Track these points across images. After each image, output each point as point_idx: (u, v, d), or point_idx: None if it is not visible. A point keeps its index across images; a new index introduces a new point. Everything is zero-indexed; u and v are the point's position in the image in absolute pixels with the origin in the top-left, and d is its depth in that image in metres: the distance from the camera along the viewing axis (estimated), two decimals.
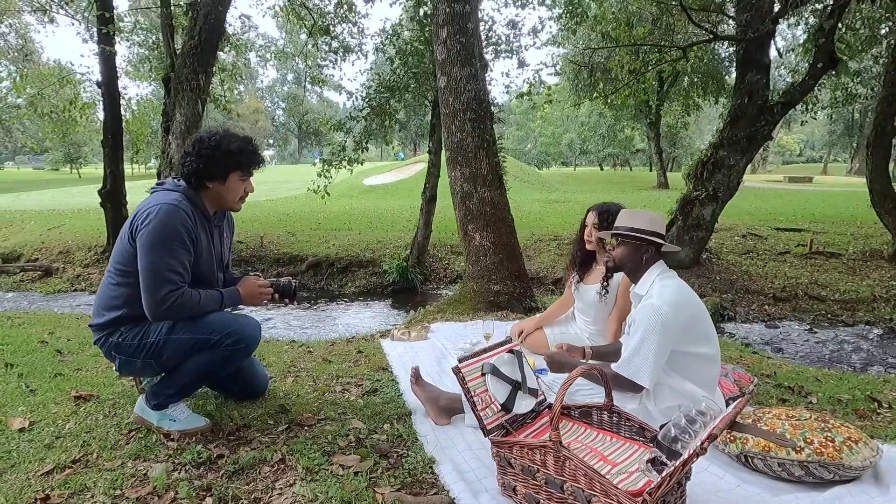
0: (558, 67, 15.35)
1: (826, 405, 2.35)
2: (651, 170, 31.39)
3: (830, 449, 1.53)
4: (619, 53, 9.19)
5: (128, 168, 11.03)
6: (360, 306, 7.91)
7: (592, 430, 1.62)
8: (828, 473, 1.52)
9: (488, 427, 1.51)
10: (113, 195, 9.80)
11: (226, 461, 1.68)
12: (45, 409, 2.03)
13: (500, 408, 1.54)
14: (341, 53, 10.48)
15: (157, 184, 1.87)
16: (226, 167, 1.80)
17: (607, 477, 1.25)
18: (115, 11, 9.82)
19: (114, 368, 1.86)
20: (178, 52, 8.87)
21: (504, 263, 4.25)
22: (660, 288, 1.92)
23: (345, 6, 9.90)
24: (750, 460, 1.63)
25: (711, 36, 7.78)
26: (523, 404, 1.59)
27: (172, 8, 8.89)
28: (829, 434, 1.57)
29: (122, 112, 10.50)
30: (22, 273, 9.44)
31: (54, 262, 9.88)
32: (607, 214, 2.52)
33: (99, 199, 9.79)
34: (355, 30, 10.24)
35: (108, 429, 1.87)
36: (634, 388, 1.87)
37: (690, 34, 8.53)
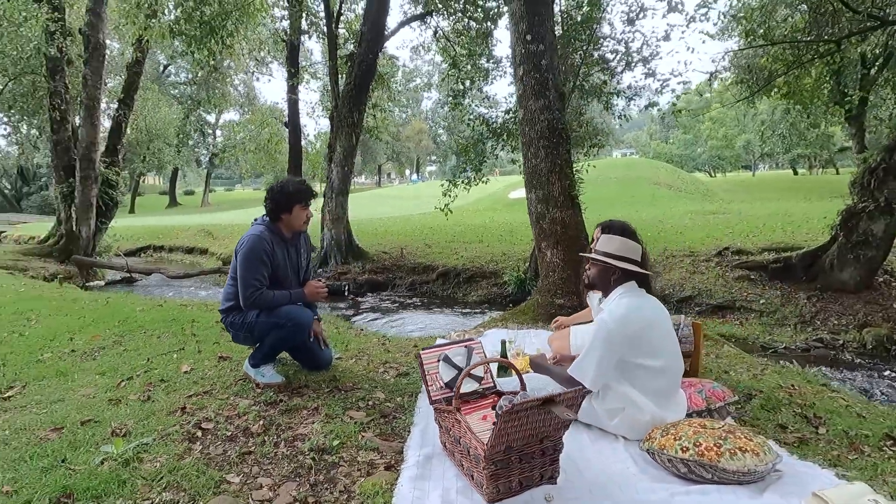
0: (726, 64, 14.11)
1: (833, 437, 2.29)
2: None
3: (712, 453, 1.72)
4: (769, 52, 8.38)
5: None
6: (477, 314, 8.60)
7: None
8: (706, 473, 1.71)
9: (433, 398, 2.07)
10: None
11: (283, 404, 2.52)
12: (201, 362, 3.17)
13: (443, 385, 2.09)
14: (479, 79, 11.41)
15: (254, 220, 2.84)
16: (289, 203, 2.69)
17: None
18: (299, 66, 12.29)
19: (231, 339, 2.88)
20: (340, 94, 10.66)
21: (572, 279, 4.54)
22: (614, 305, 2.23)
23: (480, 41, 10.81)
24: (654, 456, 1.88)
25: (877, 22, 6.68)
26: (466, 386, 2.11)
27: (338, 60, 10.79)
28: (721, 441, 1.75)
29: (303, 144, 13.04)
30: (226, 274, 12.35)
31: None
32: (609, 231, 2.82)
33: None
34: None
35: (229, 377, 2.88)
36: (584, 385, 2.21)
37: (847, 22, 7.35)
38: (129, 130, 21.51)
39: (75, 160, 11.83)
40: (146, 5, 9.79)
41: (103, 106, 13.14)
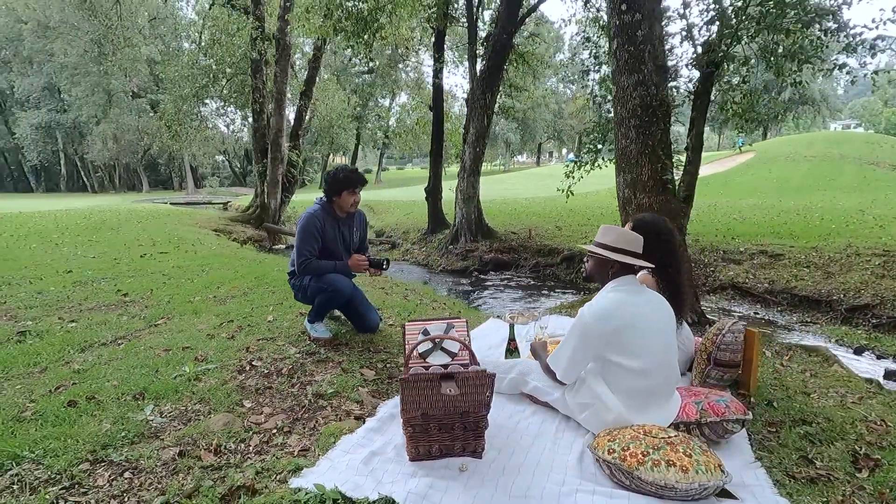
0: None
1: (866, 484, 1.88)
2: None
3: (634, 460, 1.61)
4: None
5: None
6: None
7: None
8: (624, 479, 1.62)
9: (412, 364, 2.29)
10: (433, 191, 13.07)
11: (319, 355, 3.00)
12: (283, 315, 3.86)
13: (419, 355, 2.29)
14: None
15: (316, 199, 3.32)
16: (339, 188, 3.10)
17: None
18: (444, 51, 12.88)
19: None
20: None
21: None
22: (598, 298, 2.16)
23: None
24: (592, 453, 1.82)
25: None
26: (437, 359, 2.28)
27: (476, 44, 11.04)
28: (652, 451, 1.63)
29: (446, 128, 13.71)
30: (380, 245, 13.82)
31: (398, 239, 14.00)
32: (640, 228, 2.63)
33: (424, 194, 13.26)
34: None
35: (295, 329, 3.48)
36: (555, 377, 2.20)
37: None
38: (312, 118, 25.09)
39: (268, 144, 14.43)
40: (317, 8, 11.33)
41: (289, 97, 15.65)
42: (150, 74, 29.48)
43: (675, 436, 1.74)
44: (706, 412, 2.06)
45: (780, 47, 7.47)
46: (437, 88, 12.88)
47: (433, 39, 12.90)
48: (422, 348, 2.31)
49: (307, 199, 22.05)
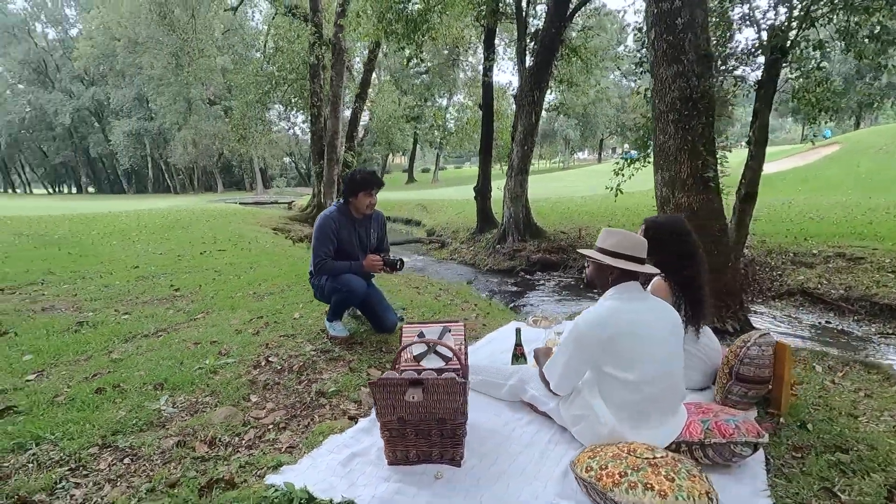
0: None
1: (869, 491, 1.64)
2: None
3: (610, 480, 1.50)
4: None
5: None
6: None
7: None
8: (598, 499, 1.51)
9: (402, 368, 2.28)
10: (482, 190, 13.00)
11: (333, 353, 3.07)
12: (310, 313, 3.98)
13: (412, 357, 2.28)
14: None
15: (335, 201, 3.39)
16: (355, 189, 3.15)
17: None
18: (494, 49, 12.76)
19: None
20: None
21: None
22: (595, 306, 2.05)
23: None
24: (572, 469, 1.73)
25: None
26: (431, 363, 2.25)
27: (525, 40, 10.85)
28: (631, 472, 1.51)
29: (496, 126, 13.58)
30: (430, 244, 13.95)
31: (447, 238, 14.05)
32: (653, 229, 2.47)
33: (473, 194, 13.21)
34: None
35: (316, 327, 3.59)
36: (550, 387, 2.11)
37: None
38: (369, 118, 25.73)
39: (324, 146, 14.99)
40: (368, 11, 11.60)
41: (345, 100, 16.15)
42: (224, 82, 31.51)
43: (663, 457, 1.61)
44: (711, 432, 1.89)
45: (862, 29, 6.76)
46: (487, 86, 12.78)
47: (483, 37, 12.82)
48: (416, 351, 2.30)
49: None
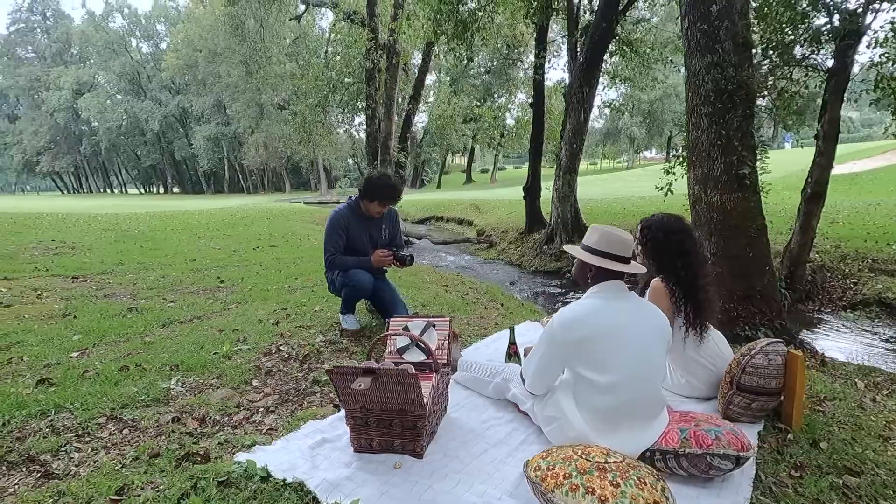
0: None
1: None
2: None
3: (553, 481, 1.46)
4: None
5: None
6: None
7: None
8: (541, 499, 1.47)
9: (387, 359, 2.33)
10: (531, 190, 12.81)
11: (340, 345, 3.17)
12: (329, 307, 4.12)
13: (395, 350, 2.32)
14: None
15: (348, 198, 3.50)
16: (369, 195, 3.25)
17: None
18: (546, 47, 12.53)
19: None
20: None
21: (723, 279, 3.66)
22: (571, 305, 1.99)
23: None
24: (524, 469, 1.68)
25: None
26: (413, 356, 2.28)
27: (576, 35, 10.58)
28: (576, 474, 1.45)
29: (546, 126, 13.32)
30: (478, 243, 13.94)
31: (496, 238, 13.97)
32: (646, 229, 2.36)
33: (523, 193, 13.04)
34: None
35: (332, 320, 3.72)
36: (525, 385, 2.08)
37: None
38: (427, 119, 26.06)
39: (378, 147, 15.41)
40: (419, 14, 11.79)
41: (400, 102, 16.51)
42: (293, 88, 33.25)
43: (617, 462, 1.54)
44: (688, 442, 1.78)
45: None
46: (539, 84, 12.58)
47: (535, 35, 12.62)
48: (400, 344, 2.34)
49: (416, 198, 23.02)
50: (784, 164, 19.53)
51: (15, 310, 4.25)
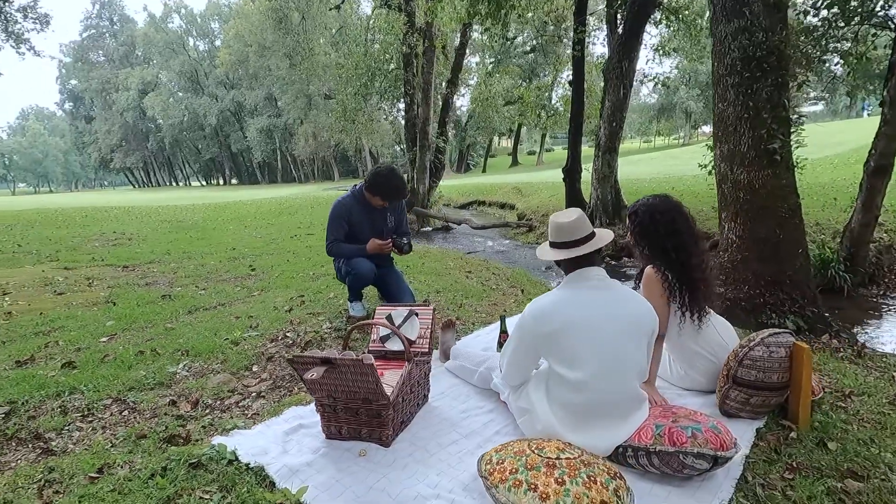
0: None
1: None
2: None
3: (498, 476, 1.41)
4: None
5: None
6: None
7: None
8: (487, 493, 1.43)
9: (370, 348, 2.35)
10: (571, 171, 12.40)
11: (343, 331, 3.23)
12: (343, 294, 4.19)
13: (378, 338, 2.33)
14: None
15: (353, 186, 3.52)
16: (372, 189, 3.26)
17: None
18: (586, 22, 11.99)
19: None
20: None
21: (748, 263, 3.40)
22: (543, 295, 1.92)
23: None
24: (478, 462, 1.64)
25: None
26: (394, 345, 2.28)
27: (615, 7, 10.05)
28: (523, 470, 1.40)
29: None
30: (517, 227, 13.73)
31: (535, 221, 13.70)
32: (633, 214, 2.23)
33: (562, 175, 12.66)
34: None
35: (343, 307, 3.79)
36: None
37: None
38: (470, 103, 25.73)
39: (416, 133, 15.41)
40: None
41: (438, 85, 16.40)
42: (337, 77, 33.84)
43: (569, 458, 1.47)
44: (661, 438, 1.68)
45: None
46: (577, 61, 12.06)
47: (574, 8, 12.09)
48: (383, 332, 2.34)
49: (460, 183, 22.86)
50: (859, 135, 17.84)
51: (66, 297, 4.63)
